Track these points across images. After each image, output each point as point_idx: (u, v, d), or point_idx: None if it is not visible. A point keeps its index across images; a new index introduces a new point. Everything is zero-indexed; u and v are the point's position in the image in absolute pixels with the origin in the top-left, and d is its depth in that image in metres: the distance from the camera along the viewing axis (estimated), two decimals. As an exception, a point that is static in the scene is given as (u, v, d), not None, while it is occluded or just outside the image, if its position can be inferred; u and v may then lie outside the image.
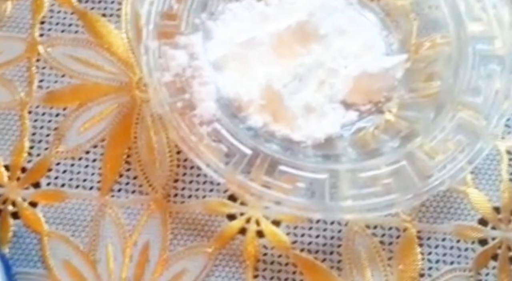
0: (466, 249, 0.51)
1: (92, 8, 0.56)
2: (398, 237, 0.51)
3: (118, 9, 0.55)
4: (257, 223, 0.51)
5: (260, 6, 0.53)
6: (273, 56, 0.51)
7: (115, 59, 0.54)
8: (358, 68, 0.51)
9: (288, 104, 0.49)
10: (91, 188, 0.52)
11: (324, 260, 0.50)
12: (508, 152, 0.52)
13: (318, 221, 0.51)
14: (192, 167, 0.52)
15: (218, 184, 0.51)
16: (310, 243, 0.51)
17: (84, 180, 0.52)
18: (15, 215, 0.52)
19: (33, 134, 0.53)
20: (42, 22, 0.56)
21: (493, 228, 0.51)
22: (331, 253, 0.51)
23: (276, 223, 0.51)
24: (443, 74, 0.49)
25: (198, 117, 0.46)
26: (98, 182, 0.52)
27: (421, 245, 0.51)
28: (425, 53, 0.52)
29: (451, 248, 0.51)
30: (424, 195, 0.45)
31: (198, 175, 0.52)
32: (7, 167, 0.53)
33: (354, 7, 0.54)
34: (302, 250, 0.51)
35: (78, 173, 0.52)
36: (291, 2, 0.52)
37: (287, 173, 0.46)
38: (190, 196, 0.51)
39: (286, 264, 0.50)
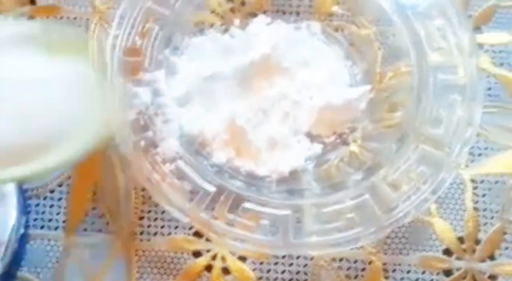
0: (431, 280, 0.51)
1: (57, 44, 0.56)
2: (363, 269, 0.51)
3: (84, 44, 0.56)
4: (223, 259, 0.50)
5: (225, 40, 0.53)
6: (237, 90, 0.51)
7: (80, 95, 0.54)
8: (322, 100, 0.50)
9: (252, 138, 0.49)
10: (56, 228, 0.51)
11: (291, 295, 0.51)
12: (472, 181, 0.53)
13: (284, 256, 0.51)
14: (157, 205, 0.51)
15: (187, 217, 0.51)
16: (276, 278, 0.51)
17: (50, 220, 0.52)
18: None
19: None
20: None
21: (458, 258, 0.51)
22: (298, 287, 0.51)
23: (242, 259, 0.51)
24: (405, 104, 0.49)
25: (160, 155, 0.46)
26: (64, 222, 0.51)
27: (386, 277, 0.51)
28: (388, 82, 0.52)
29: (417, 279, 0.51)
30: (387, 228, 0.45)
31: (163, 212, 0.52)
32: None
33: (318, 38, 0.54)
34: (269, 285, 0.51)
35: (43, 213, 0.52)
36: (255, 34, 0.52)
37: (251, 210, 0.45)
38: (155, 234, 0.51)
39: (253, 301, 0.51)
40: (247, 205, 0.46)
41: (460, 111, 0.47)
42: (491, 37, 0.56)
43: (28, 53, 0.48)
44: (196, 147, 0.48)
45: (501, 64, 0.55)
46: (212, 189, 0.46)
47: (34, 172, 0.45)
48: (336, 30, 0.54)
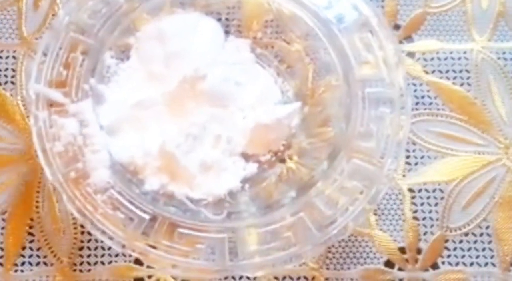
0: (372, 294, 0.51)
1: (-13, 78, 0.55)
2: (306, 286, 0.51)
3: (13, 76, 0.55)
4: (166, 284, 0.51)
5: (151, 65, 0.52)
6: (167, 115, 0.50)
7: (12, 127, 0.53)
8: (253, 120, 0.50)
9: (184, 164, 0.48)
10: (-6, 264, 0.51)
11: (234, 316, 0.50)
12: (410, 190, 0.53)
13: (226, 278, 0.51)
14: (96, 234, 0.51)
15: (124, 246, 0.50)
16: (219, 300, 0.50)
17: (-13, 257, 0.51)
18: None
19: None
20: None
21: (400, 269, 0.51)
22: (241, 308, 0.51)
23: (185, 282, 0.51)
24: (337, 119, 0.49)
25: (92, 185, 0.46)
26: (1, 257, 0.51)
27: (329, 292, 0.51)
28: (320, 97, 0.52)
29: (359, 293, 0.51)
30: (323, 245, 0.45)
31: (103, 241, 0.51)
32: None
33: (247, 57, 0.53)
34: (211, 308, 0.50)
35: (-20, 250, 0.51)
36: (179, 55, 0.52)
37: (187, 235, 0.45)
38: (96, 263, 0.51)
39: (197, 324, 0.50)
40: (181, 230, 0.45)
41: (390, 124, 0.47)
42: (422, 45, 0.56)
43: None
44: (128, 175, 0.48)
45: (433, 72, 0.55)
46: (146, 216, 0.46)
47: None
48: (266, 47, 0.54)
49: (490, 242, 0.52)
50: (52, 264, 0.51)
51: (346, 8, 0.49)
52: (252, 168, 0.51)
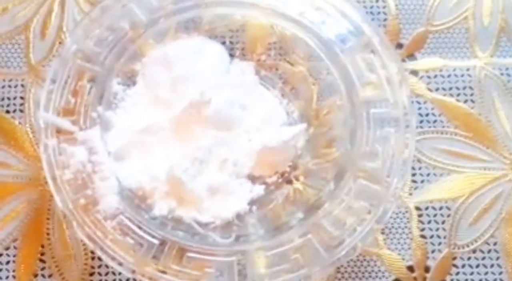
0: (383, 313, 0.51)
1: (-5, 105, 0.56)
2: (316, 306, 0.51)
3: (21, 104, 0.55)
4: (176, 309, 0.51)
5: (157, 89, 0.53)
6: (173, 140, 0.51)
7: (21, 155, 0.54)
8: (259, 142, 0.51)
9: (192, 188, 0.49)
10: (5, 292, 0.52)
11: None
12: (417, 208, 0.53)
13: (237, 301, 0.51)
14: (106, 259, 0.52)
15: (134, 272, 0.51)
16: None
17: (-2, 285, 0.52)
18: None
19: None
20: None
21: (409, 287, 0.52)
22: (252, 331, 0.51)
23: (195, 307, 0.51)
24: (342, 139, 0.50)
25: (101, 212, 0.46)
26: (13, 285, 0.52)
27: (339, 312, 0.51)
28: (325, 118, 0.52)
29: (369, 313, 0.51)
30: (332, 266, 0.45)
31: (113, 266, 0.51)
32: None
33: (251, 79, 0.54)
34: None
35: (-8, 278, 0.52)
36: (185, 80, 0.52)
37: (196, 259, 0.46)
38: (107, 289, 0.52)
39: None
40: (190, 254, 0.46)
41: (395, 143, 0.47)
42: (425, 63, 0.57)
43: None
44: (136, 201, 0.49)
45: (437, 89, 0.56)
46: (155, 241, 0.46)
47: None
48: (270, 69, 0.55)
49: (498, 258, 0.52)
50: (63, 291, 0.52)
51: (347, 28, 0.50)
52: (259, 190, 0.51)
